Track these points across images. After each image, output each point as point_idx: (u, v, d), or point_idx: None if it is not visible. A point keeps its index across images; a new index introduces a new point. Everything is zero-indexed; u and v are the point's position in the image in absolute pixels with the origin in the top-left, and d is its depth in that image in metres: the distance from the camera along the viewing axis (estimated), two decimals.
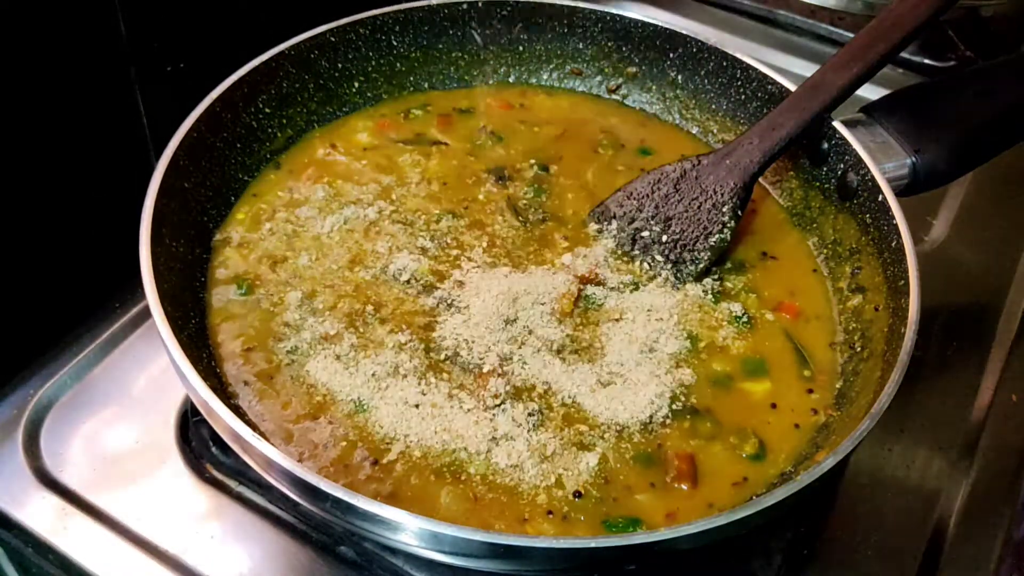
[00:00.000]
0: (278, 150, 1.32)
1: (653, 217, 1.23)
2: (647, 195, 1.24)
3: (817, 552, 1.09)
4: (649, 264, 1.21)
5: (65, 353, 1.23)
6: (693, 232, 1.21)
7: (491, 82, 1.47)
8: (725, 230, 1.21)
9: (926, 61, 1.77)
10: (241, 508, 1.10)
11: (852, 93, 1.22)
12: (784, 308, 1.20)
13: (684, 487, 1.00)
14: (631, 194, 1.25)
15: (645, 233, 1.22)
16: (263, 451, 0.87)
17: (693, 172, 1.24)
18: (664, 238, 1.21)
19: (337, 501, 0.84)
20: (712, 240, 1.20)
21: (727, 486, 1.01)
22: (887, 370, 0.99)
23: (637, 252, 1.22)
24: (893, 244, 1.11)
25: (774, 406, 1.09)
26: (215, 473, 1.12)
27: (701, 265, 1.20)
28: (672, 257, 1.21)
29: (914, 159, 1.19)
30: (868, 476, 1.16)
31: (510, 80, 1.48)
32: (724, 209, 1.21)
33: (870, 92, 1.69)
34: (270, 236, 1.21)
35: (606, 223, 1.25)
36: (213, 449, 1.13)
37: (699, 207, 1.22)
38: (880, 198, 1.15)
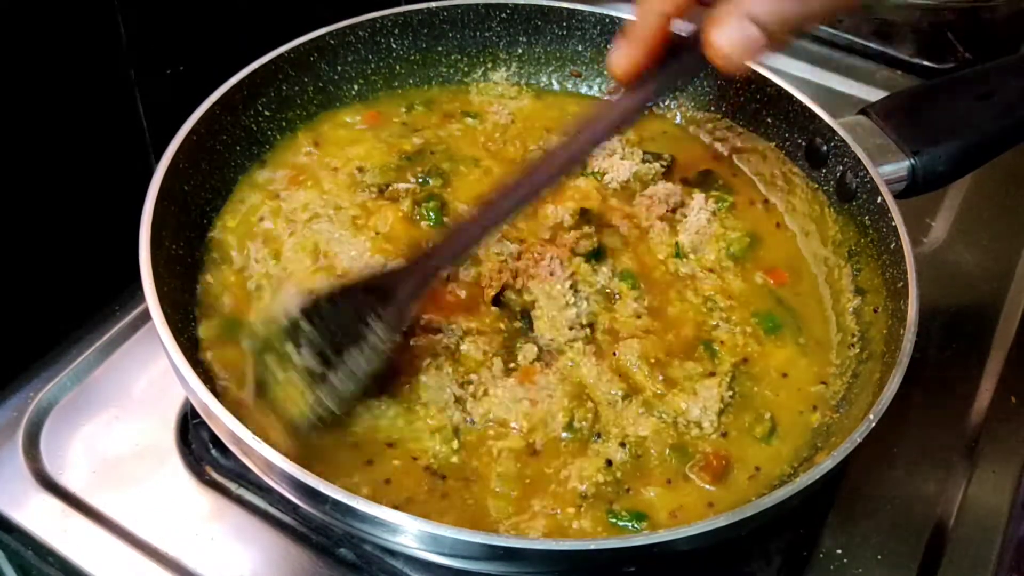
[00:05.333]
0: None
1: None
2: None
3: (817, 554, 1.09)
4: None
5: (65, 356, 1.23)
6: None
7: (489, 83, 1.47)
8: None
9: (925, 63, 1.77)
10: (241, 510, 1.10)
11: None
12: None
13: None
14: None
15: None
16: (263, 453, 0.87)
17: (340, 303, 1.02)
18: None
19: (336, 503, 0.84)
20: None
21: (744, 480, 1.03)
22: (886, 372, 0.99)
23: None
24: (892, 246, 1.11)
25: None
26: (215, 475, 1.12)
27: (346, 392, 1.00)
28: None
29: (913, 161, 1.19)
30: (868, 477, 1.16)
31: (509, 82, 1.47)
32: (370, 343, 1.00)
33: (869, 94, 1.71)
34: (259, 240, 1.19)
35: None
36: (213, 451, 1.13)
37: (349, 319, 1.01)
38: (879, 200, 1.15)
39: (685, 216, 1.27)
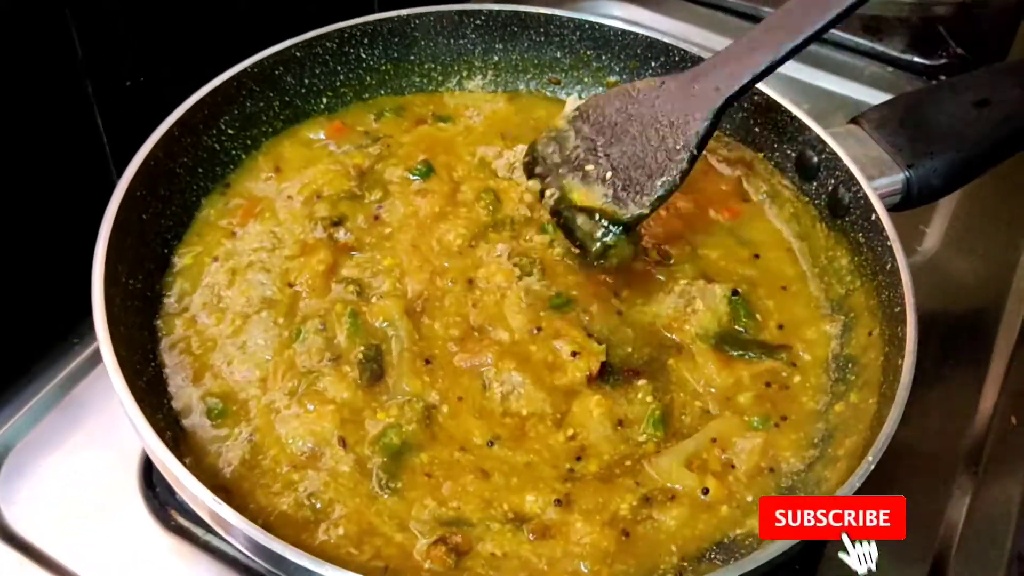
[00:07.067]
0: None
1: (596, 150, 1.13)
2: (598, 122, 1.14)
3: None
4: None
5: (21, 394, 1.17)
6: (640, 171, 1.09)
7: (464, 91, 1.41)
8: (676, 173, 1.08)
9: (916, 59, 1.72)
10: (208, 557, 1.05)
11: (848, 17, 1.07)
12: None
13: None
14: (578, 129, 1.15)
15: (590, 167, 1.12)
16: (222, 514, 0.83)
17: (653, 94, 1.12)
18: (608, 175, 1.10)
19: (299, 568, 0.80)
20: (660, 181, 1.08)
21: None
22: (884, 405, 0.95)
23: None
24: (888, 267, 1.07)
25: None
26: (180, 520, 1.08)
27: (645, 210, 1.08)
28: (616, 195, 1.09)
29: (907, 174, 1.15)
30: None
31: (485, 90, 1.42)
32: (679, 147, 1.08)
33: (859, 92, 1.66)
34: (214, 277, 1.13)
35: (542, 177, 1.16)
36: (178, 495, 1.08)
37: (650, 141, 1.10)
38: (873, 217, 1.10)
39: None
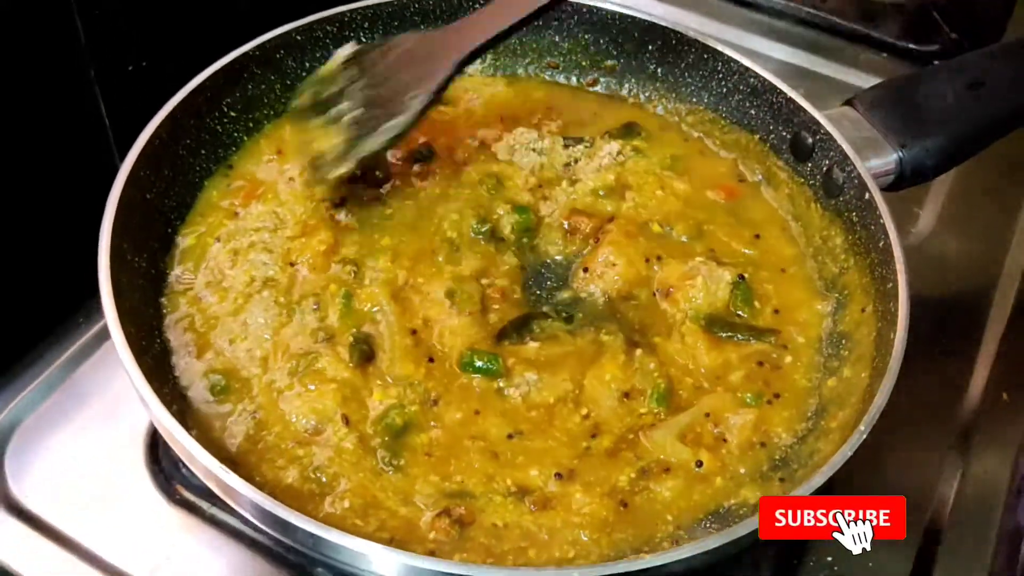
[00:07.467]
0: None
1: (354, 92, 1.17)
2: (365, 67, 1.18)
3: (807, 562, 1.07)
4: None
5: (28, 372, 1.18)
6: (381, 113, 1.14)
7: (463, 76, 1.42)
8: (410, 115, 1.13)
9: (910, 45, 1.72)
10: (214, 530, 1.06)
11: None
12: None
13: None
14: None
15: (342, 106, 1.16)
16: (230, 483, 0.84)
17: (411, 44, 1.18)
18: (355, 114, 1.14)
19: (307, 534, 0.82)
20: (391, 122, 1.13)
21: None
22: (876, 379, 0.97)
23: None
24: (880, 245, 1.08)
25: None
26: (186, 494, 1.09)
27: (366, 151, 1.13)
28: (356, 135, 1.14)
29: (901, 154, 1.16)
30: (857, 479, 1.12)
31: (484, 74, 1.43)
32: (417, 94, 1.14)
33: (854, 78, 1.67)
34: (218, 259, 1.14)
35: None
36: (183, 469, 1.09)
37: (399, 87, 1.15)
38: (867, 196, 1.12)
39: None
